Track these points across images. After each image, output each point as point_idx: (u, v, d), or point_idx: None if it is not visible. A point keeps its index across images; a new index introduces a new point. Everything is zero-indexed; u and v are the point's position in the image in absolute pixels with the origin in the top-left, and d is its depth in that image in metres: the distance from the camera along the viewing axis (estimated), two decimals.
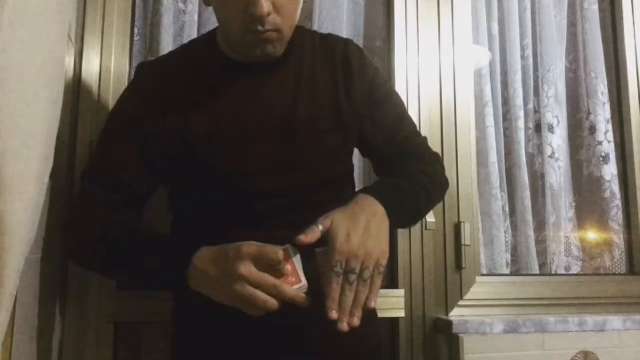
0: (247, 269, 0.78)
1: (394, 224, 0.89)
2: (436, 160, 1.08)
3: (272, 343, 0.93)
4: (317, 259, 0.82)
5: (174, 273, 0.84)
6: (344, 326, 0.76)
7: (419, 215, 1.15)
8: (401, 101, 1.11)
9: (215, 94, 0.97)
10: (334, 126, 0.99)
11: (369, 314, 1.08)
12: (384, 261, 0.82)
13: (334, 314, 0.76)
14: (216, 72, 0.98)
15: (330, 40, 1.06)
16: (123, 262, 0.89)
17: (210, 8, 0.96)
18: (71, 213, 0.99)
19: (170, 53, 1.08)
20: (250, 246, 0.79)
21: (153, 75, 1.00)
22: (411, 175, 0.99)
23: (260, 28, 0.87)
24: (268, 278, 0.78)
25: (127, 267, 0.89)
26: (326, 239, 0.81)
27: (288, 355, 0.94)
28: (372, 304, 0.80)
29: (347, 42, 1.06)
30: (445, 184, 1.08)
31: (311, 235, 0.80)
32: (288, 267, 0.80)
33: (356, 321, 0.78)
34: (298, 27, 0.99)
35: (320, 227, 0.81)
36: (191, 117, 0.95)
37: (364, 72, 1.04)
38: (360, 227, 0.81)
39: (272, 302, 0.78)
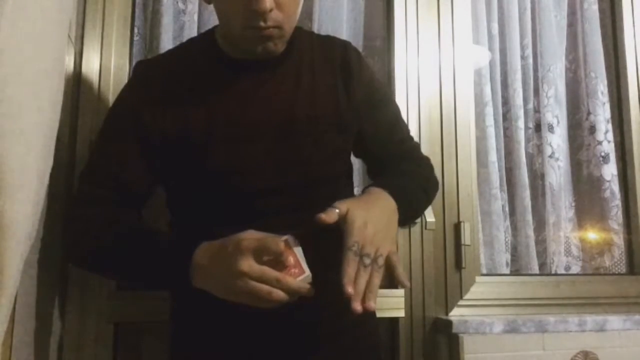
0: (248, 264, 0.77)
1: (399, 221, 0.91)
2: (427, 164, 1.12)
3: (269, 343, 0.93)
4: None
5: (177, 272, 0.84)
6: (357, 306, 0.75)
7: (418, 214, 1.19)
8: (397, 105, 1.15)
9: (214, 92, 0.96)
10: (333, 125, 0.99)
11: (368, 314, 1.08)
12: (394, 256, 0.83)
13: (350, 290, 0.75)
14: (215, 70, 0.98)
15: (329, 42, 1.06)
16: (124, 262, 0.89)
17: (210, 7, 0.96)
18: (70, 213, 0.98)
19: (168, 52, 1.08)
20: (250, 240, 0.78)
21: (151, 74, 1.00)
22: (410, 175, 1.02)
23: (262, 24, 0.87)
24: (270, 272, 0.77)
25: (128, 267, 0.89)
26: (341, 226, 0.81)
27: (286, 355, 0.93)
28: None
29: (346, 45, 1.07)
30: (436, 185, 1.12)
31: (330, 215, 0.80)
32: (290, 258, 0.79)
33: (372, 305, 0.76)
34: (296, 28, 0.99)
35: (338, 210, 0.81)
36: (190, 115, 0.95)
37: (362, 74, 1.04)
38: (376, 218, 0.83)
39: (277, 292, 0.77)
